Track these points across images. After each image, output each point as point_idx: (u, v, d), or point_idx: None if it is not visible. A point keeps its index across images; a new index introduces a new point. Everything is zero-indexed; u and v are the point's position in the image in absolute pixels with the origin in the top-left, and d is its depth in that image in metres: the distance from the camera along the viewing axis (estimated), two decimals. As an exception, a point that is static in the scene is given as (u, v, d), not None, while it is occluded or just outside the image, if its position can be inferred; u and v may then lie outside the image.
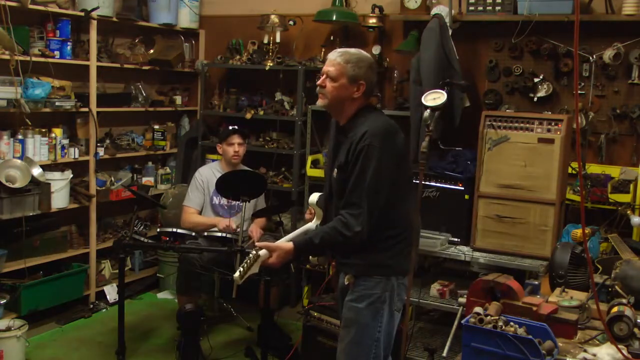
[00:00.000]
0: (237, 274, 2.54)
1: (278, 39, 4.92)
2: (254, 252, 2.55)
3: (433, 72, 3.95)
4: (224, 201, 4.36)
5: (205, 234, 4.11)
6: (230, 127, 4.45)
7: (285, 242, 2.61)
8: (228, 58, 5.18)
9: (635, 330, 2.27)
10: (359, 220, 2.47)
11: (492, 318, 2.19)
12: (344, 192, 2.55)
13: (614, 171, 3.97)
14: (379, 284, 2.61)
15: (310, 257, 2.86)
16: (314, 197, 2.84)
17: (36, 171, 4.17)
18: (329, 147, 2.78)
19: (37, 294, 4.24)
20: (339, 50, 2.64)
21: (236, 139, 4.37)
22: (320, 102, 2.64)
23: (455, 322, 3.00)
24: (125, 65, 4.90)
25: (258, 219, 4.37)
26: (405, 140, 2.66)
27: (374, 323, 2.62)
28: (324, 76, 2.60)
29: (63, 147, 4.48)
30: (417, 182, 2.69)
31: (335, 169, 2.62)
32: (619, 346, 2.14)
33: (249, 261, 2.53)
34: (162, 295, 5.07)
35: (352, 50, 2.63)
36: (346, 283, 2.68)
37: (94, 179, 4.71)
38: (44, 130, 4.34)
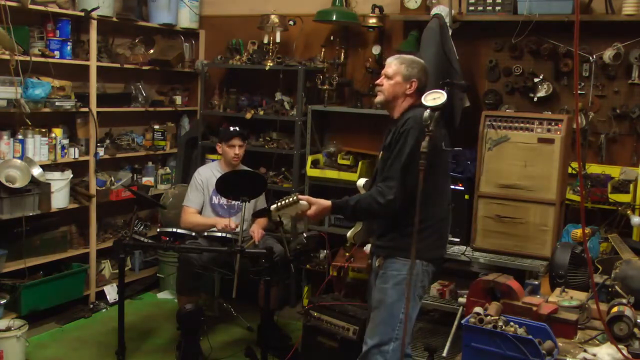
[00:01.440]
0: (274, 206, 2.77)
1: (278, 39, 4.92)
2: (294, 196, 2.73)
3: (433, 72, 3.95)
4: (223, 201, 4.36)
5: (205, 234, 4.11)
6: (232, 128, 4.44)
7: (324, 200, 2.84)
8: (228, 58, 5.18)
9: (635, 330, 2.27)
10: (392, 190, 2.74)
11: (492, 318, 2.18)
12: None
13: (614, 171, 3.97)
14: (405, 265, 2.78)
15: (348, 234, 3.08)
16: (362, 181, 3.11)
17: (36, 171, 4.17)
18: (384, 137, 3.00)
19: (37, 294, 4.24)
20: (395, 55, 3.04)
21: (237, 142, 4.37)
22: (378, 98, 2.98)
23: (455, 322, 3.01)
24: (125, 65, 4.90)
25: (259, 219, 4.37)
26: (447, 136, 2.89)
27: (399, 303, 2.78)
28: (382, 77, 2.95)
29: (63, 147, 4.48)
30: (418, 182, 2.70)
31: (382, 151, 2.90)
32: (619, 346, 2.14)
33: (289, 199, 2.73)
34: (162, 295, 5.07)
35: (407, 55, 3.05)
36: (377, 265, 2.89)
37: (94, 179, 4.71)
38: (44, 130, 4.34)
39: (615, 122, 4.07)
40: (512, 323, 2.18)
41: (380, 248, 2.94)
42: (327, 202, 2.83)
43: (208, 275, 4.29)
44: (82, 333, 4.34)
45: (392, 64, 2.95)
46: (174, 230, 4.05)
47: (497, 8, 4.15)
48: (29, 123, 4.19)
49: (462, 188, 3.90)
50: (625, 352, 2.14)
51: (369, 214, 2.86)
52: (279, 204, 2.74)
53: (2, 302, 4.01)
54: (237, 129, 4.44)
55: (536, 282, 2.71)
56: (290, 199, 2.73)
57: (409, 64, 2.93)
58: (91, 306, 4.67)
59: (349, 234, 3.08)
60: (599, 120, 4.10)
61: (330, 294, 3.93)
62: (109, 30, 4.96)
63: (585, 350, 2.20)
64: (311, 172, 4.67)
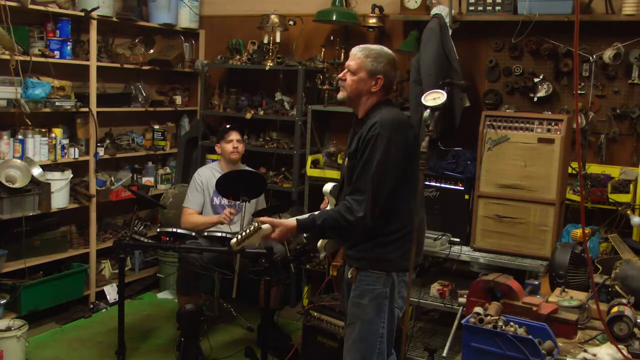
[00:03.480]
0: (234, 240, 2.60)
1: (278, 39, 4.92)
2: (255, 223, 2.60)
3: (433, 72, 3.96)
4: (224, 201, 4.36)
5: (205, 233, 4.10)
6: (227, 126, 4.44)
7: (289, 220, 2.66)
8: (228, 58, 5.18)
9: (635, 330, 2.27)
10: (362, 206, 2.53)
11: (492, 318, 2.19)
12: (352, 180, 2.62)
13: (614, 171, 3.97)
14: (379, 279, 2.64)
15: (318, 244, 2.86)
16: (328, 186, 2.90)
17: (36, 171, 4.17)
18: (348, 139, 2.85)
19: (37, 294, 4.24)
20: (361, 45, 2.74)
21: (234, 135, 4.36)
22: (340, 95, 2.74)
23: (455, 322, 3.01)
24: (125, 65, 4.90)
25: (261, 219, 4.36)
26: (417, 136, 2.72)
27: (378, 318, 2.65)
28: (345, 70, 2.71)
29: (63, 147, 4.48)
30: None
31: (347, 157, 2.71)
32: (619, 346, 2.14)
33: (248, 230, 2.59)
34: (162, 295, 5.07)
35: (374, 46, 2.74)
36: (349, 276, 2.72)
37: (94, 179, 4.71)
38: (44, 130, 4.34)
39: (615, 122, 4.06)
40: (512, 323, 2.18)
41: (352, 259, 2.74)
42: (292, 222, 2.62)
43: (208, 275, 4.29)
44: (82, 333, 4.34)
45: (356, 57, 2.68)
46: (174, 230, 4.05)
47: (497, 8, 4.15)
48: (29, 123, 4.19)
49: (462, 188, 3.90)
50: (625, 352, 2.14)
51: (337, 232, 2.65)
52: (239, 237, 2.59)
53: (2, 302, 4.01)
54: (233, 124, 4.44)
55: (536, 282, 2.71)
56: (251, 228, 2.59)
57: (374, 57, 2.66)
58: (91, 306, 4.67)
59: (318, 244, 2.87)
60: (599, 120, 4.10)
61: (330, 294, 3.93)
62: (109, 30, 4.96)
63: (585, 350, 2.20)
64: (311, 172, 4.67)
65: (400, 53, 4.57)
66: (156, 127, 5.36)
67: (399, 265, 2.65)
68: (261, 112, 4.98)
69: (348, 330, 2.74)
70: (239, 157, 4.42)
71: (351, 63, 2.69)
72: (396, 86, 4.63)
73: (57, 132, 4.44)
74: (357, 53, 2.69)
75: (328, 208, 2.87)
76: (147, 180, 5.25)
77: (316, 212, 2.69)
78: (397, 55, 4.69)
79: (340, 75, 2.73)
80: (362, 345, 2.67)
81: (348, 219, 2.54)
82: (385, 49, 2.74)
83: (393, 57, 2.73)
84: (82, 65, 4.58)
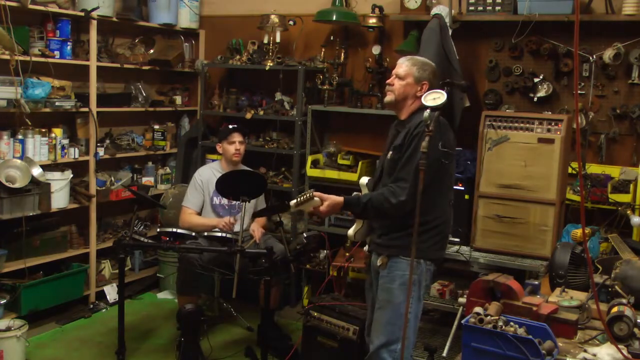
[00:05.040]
0: (293, 202, 2.83)
1: (278, 39, 4.92)
2: (309, 192, 2.80)
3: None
4: (224, 201, 4.36)
5: (205, 234, 4.11)
6: (230, 126, 4.45)
7: (336, 196, 2.88)
8: (228, 58, 5.18)
9: (635, 330, 2.27)
10: (405, 192, 2.75)
11: (492, 318, 2.19)
12: (395, 171, 2.84)
13: (614, 171, 3.97)
14: (409, 265, 2.73)
15: (349, 232, 3.08)
16: (365, 179, 3.09)
17: (36, 171, 4.17)
18: (389, 137, 3.06)
19: (37, 294, 4.24)
20: (407, 56, 3.04)
21: (237, 137, 4.37)
22: (387, 98, 2.99)
23: (455, 322, 3.01)
24: (125, 65, 4.90)
25: (259, 219, 4.37)
26: (455, 139, 2.95)
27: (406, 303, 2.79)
28: (393, 76, 2.98)
29: (63, 147, 4.48)
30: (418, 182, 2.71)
31: (391, 151, 2.90)
32: (619, 346, 2.13)
33: (305, 196, 2.79)
34: (162, 295, 5.07)
35: (419, 57, 3.08)
36: (379, 264, 2.89)
37: (94, 179, 4.71)
38: (44, 130, 4.34)
39: (615, 122, 4.07)
40: (512, 323, 2.18)
41: (382, 247, 2.93)
42: (339, 199, 2.86)
43: (208, 275, 4.29)
44: (82, 333, 4.34)
45: (404, 65, 2.97)
46: (174, 230, 4.05)
47: (497, 8, 4.15)
48: (29, 123, 4.19)
49: (462, 188, 3.90)
50: (625, 352, 2.14)
51: (379, 212, 2.85)
52: (299, 199, 2.80)
53: (2, 302, 4.01)
54: (236, 126, 4.44)
55: (536, 282, 2.71)
56: (307, 195, 2.79)
57: (420, 65, 2.96)
58: (91, 306, 4.67)
59: (350, 231, 3.08)
60: (599, 120, 4.10)
61: (330, 294, 3.93)
62: (109, 30, 4.96)
63: (585, 350, 2.20)
64: (311, 172, 4.67)
65: (401, 53, 4.57)
66: (156, 127, 5.36)
67: (428, 254, 2.87)
68: (261, 112, 4.98)
69: (377, 314, 2.94)
70: (240, 159, 4.43)
71: (399, 70, 2.96)
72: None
73: (57, 132, 4.44)
74: (405, 62, 2.98)
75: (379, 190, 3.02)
76: (147, 180, 5.25)
77: (361, 193, 2.95)
78: (397, 56, 4.73)
79: (388, 81, 3.00)
80: (389, 328, 2.85)
81: (391, 201, 2.77)
82: (429, 60, 3.04)
83: (435, 68, 3.03)
84: (82, 65, 4.58)
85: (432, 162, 2.67)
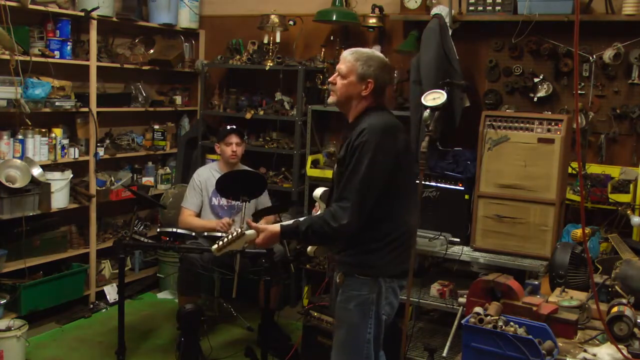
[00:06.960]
0: (215, 246, 2.56)
1: (278, 39, 4.92)
2: (239, 229, 2.56)
3: (433, 72, 3.95)
4: (223, 202, 4.35)
5: (206, 234, 4.10)
6: (228, 127, 4.44)
7: (273, 225, 2.62)
8: (228, 58, 5.18)
9: (635, 330, 2.27)
10: (346, 213, 2.47)
11: (492, 318, 2.18)
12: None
13: (614, 171, 3.97)
14: (365, 284, 2.60)
15: (308, 249, 2.86)
16: (318, 191, 2.87)
17: (36, 171, 4.17)
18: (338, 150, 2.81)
19: (37, 294, 4.24)
20: (352, 49, 2.69)
21: (234, 139, 4.36)
22: (330, 99, 2.71)
23: (455, 322, 3.00)
24: (125, 65, 4.90)
25: (267, 217, 4.35)
26: (407, 140, 2.69)
27: (364, 324, 2.61)
28: (336, 74, 2.66)
29: (63, 147, 4.48)
30: (418, 182, 2.69)
31: (336, 164, 2.66)
32: (619, 346, 2.13)
33: (230, 237, 2.54)
34: (162, 295, 5.07)
35: (365, 49, 2.69)
36: (337, 281, 2.69)
37: (94, 179, 4.71)
38: (44, 130, 4.34)
39: (615, 122, 4.06)
40: (512, 323, 2.18)
41: (339, 263, 2.70)
42: (276, 228, 2.58)
43: (208, 275, 4.29)
44: (82, 333, 4.34)
45: (347, 60, 2.63)
46: (174, 230, 4.05)
47: (497, 8, 4.15)
48: (29, 123, 4.19)
49: (462, 188, 3.90)
50: (625, 352, 2.14)
51: (322, 238, 2.56)
52: (220, 243, 2.54)
53: (2, 302, 4.01)
54: (234, 127, 4.44)
55: (536, 282, 2.71)
56: (234, 234, 2.54)
57: (364, 60, 2.60)
58: (91, 306, 4.67)
59: (309, 249, 2.87)
60: (599, 120, 4.10)
61: (330, 294, 3.93)
62: (109, 30, 4.96)
63: (585, 350, 2.20)
64: (311, 172, 4.67)
65: (400, 53, 4.58)
66: (156, 127, 5.36)
67: (386, 271, 2.61)
68: (261, 112, 4.98)
69: (335, 334, 2.73)
70: (238, 160, 4.42)
71: (342, 66, 2.63)
72: (396, 86, 4.63)
73: (57, 132, 4.44)
74: (348, 56, 2.64)
75: (319, 213, 2.83)
76: (147, 180, 5.25)
77: (301, 218, 2.64)
78: (397, 56, 4.73)
79: (330, 79, 2.69)
80: (348, 350, 2.66)
81: (332, 225, 2.48)
82: (377, 52, 2.69)
83: (385, 61, 2.66)
84: (82, 65, 4.58)
85: (374, 179, 2.48)
